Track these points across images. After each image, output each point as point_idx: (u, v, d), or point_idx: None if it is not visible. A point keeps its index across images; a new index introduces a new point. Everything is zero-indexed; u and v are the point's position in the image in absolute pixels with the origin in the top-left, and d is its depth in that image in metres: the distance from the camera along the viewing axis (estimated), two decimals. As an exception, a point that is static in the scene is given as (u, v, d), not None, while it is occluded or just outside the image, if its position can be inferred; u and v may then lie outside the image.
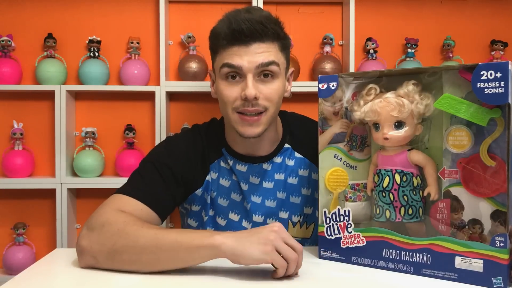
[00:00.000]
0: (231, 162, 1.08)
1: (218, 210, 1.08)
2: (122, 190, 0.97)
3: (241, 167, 1.08)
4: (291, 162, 1.10)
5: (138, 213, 0.93)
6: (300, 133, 1.12)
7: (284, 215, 1.08)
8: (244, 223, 1.08)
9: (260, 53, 0.95)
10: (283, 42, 1.00)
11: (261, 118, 0.98)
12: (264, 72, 0.97)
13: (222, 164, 1.09)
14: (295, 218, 1.09)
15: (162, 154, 1.06)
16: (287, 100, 1.77)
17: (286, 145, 1.10)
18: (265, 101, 0.97)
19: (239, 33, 0.94)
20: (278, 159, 1.09)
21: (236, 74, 0.97)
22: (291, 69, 1.08)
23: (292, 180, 1.09)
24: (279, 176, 1.09)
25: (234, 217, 1.08)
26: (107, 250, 0.82)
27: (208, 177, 1.08)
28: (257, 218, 1.08)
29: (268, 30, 0.95)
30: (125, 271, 0.82)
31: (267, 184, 1.08)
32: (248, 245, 0.77)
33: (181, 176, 1.04)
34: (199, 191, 1.08)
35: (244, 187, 1.08)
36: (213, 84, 1.06)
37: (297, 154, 1.10)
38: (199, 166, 1.07)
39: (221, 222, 1.09)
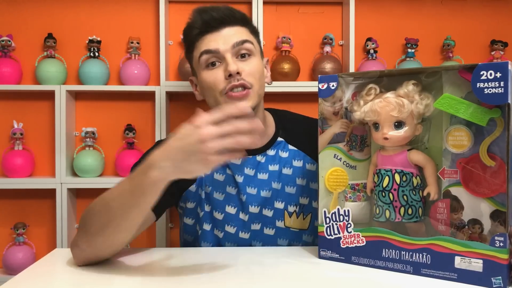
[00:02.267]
0: None
1: (215, 204, 1.09)
2: None
3: (236, 160, 1.09)
4: (285, 154, 1.11)
5: None
6: (292, 127, 1.15)
7: (279, 205, 1.09)
8: (241, 215, 1.09)
9: (232, 34, 1.02)
10: (252, 27, 1.08)
11: (249, 93, 1.01)
12: (241, 52, 1.02)
13: None
14: (291, 208, 1.10)
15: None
16: (288, 100, 1.78)
17: (279, 139, 1.13)
18: (248, 77, 1.01)
19: (210, 20, 1.01)
20: (271, 152, 1.11)
21: (215, 60, 1.01)
22: (266, 58, 1.14)
23: (286, 171, 1.10)
24: (273, 167, 1.10)
25: (230, 210, 1.09)
26: (82, 232, 0.84)
27: None
28: (253, 209, 1.09)
29: (235, 14, 1.03)
30: (102, 246, 0.83)
31: (262, 176, 1.09)
32: (189, 164, 0.72)
33: None
34: (193, 187, 1.09)
35: (239, 179, 1.09)
36: (196, 87, 1.12)
37: (290, 147, 1.13)
38: None
39: (218, 216, 1.09)
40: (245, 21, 1.05)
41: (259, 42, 1.09)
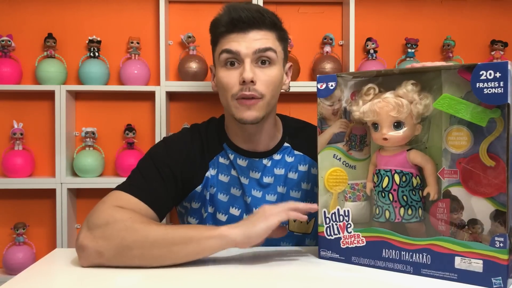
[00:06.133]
0: (231, 157, 1.09)
1: (218, 206, 1.09)
2: (122, 187, 0.98)
3: (242, 162, 1.09)
4: (290, 159, 1.11)
5: (137, 212, 0.93)
6: (299, 134, 1.14)
7: None
8: (245, 217, 1.08)
9: (258, 39, 0.99)
10: (280, 33, 1.04)
11: (258, 103, 1.00)
12: (262, 59, 1.00)
13: (221, 160, 1.10)
14: None
15: (161, 153, 1.06)
16: (287, 100, 1.78)
17: (286, 144, 1.12)
18: (262, 87, 0.99)
19: (238, 20, 0.98)
20: (277, 156, 1.11)
21: (234, 60, 1.00)
22: (289, 64, 1.11)
23: (292, 175, 1.10)
24: (279, 171, 1.10)
25: (234, 212, 1.09)
26: (115, 246, 0.83)
27: (207, 174, 1.09)
28: None
29: (265, 18, 1.00)
30: (132, 267, 0.83)
31: (268, 179, 1.09)
32: (254, 223, 0.85)
33: (180, 174, 1.05)
34: (199, 188, 1.08)
35: (245, 181, 1.09)
36: (213, 78, 1.09)
37: (296, 152, 1.12)
38: (198, 163, 1.08)
39: (222, 217, 1.09)
40: (274, 25, 1.02)
41: (285, 48, 1.06)
